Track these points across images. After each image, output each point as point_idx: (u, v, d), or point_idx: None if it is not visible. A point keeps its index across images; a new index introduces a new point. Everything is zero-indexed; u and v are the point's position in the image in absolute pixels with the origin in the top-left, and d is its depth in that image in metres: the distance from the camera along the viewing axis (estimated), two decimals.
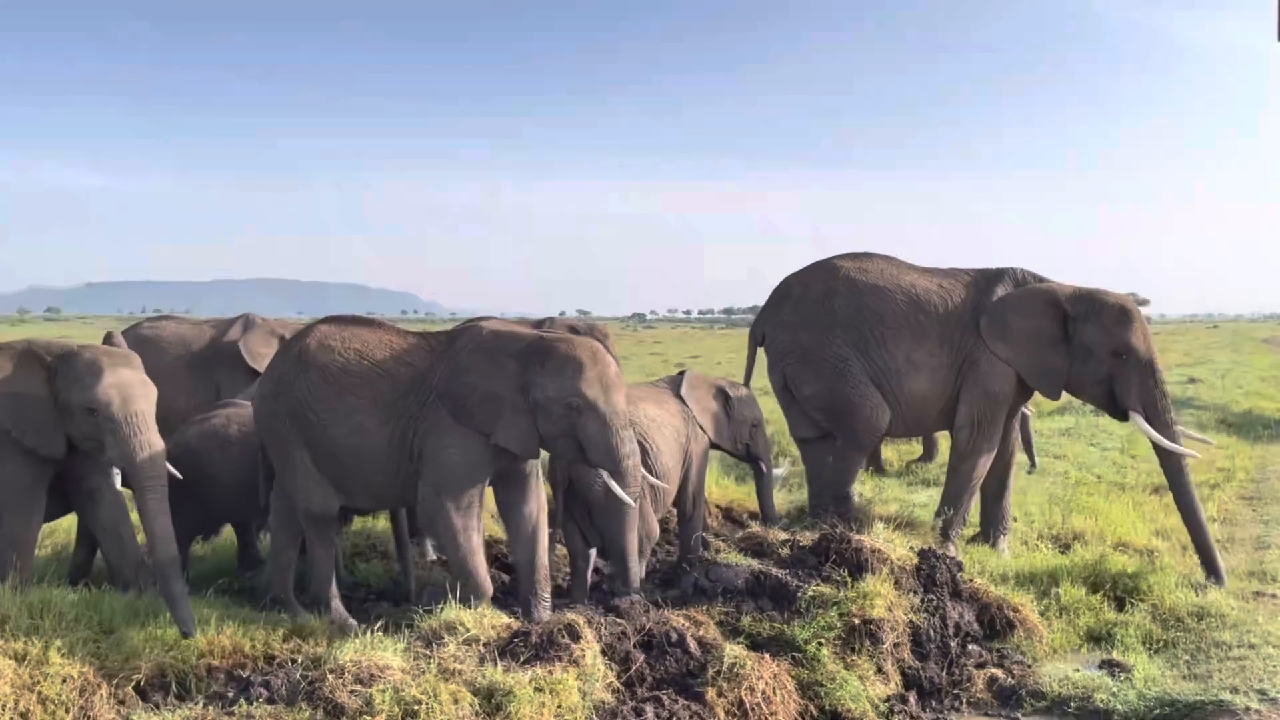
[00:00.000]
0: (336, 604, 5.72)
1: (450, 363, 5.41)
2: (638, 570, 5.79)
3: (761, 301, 8.15)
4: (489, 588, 5.33)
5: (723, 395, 7.18)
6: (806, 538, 5.94)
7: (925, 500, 8.87)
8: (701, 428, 6.92)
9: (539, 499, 5.58)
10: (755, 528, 6.84)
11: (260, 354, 8.98)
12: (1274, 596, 6.32)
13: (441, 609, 4.66)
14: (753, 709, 4.17)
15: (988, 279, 7.33)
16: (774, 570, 5.62)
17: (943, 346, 7.17)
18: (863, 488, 8.84)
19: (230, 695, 3.74)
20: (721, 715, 4.11)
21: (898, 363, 7.19)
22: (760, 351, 7.94)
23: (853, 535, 5.81)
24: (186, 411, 9.05)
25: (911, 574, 5.63)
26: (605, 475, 5.32)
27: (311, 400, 5.50)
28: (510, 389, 5.32)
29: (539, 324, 10.64)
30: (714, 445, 7.14)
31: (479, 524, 5.41)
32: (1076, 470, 11.04)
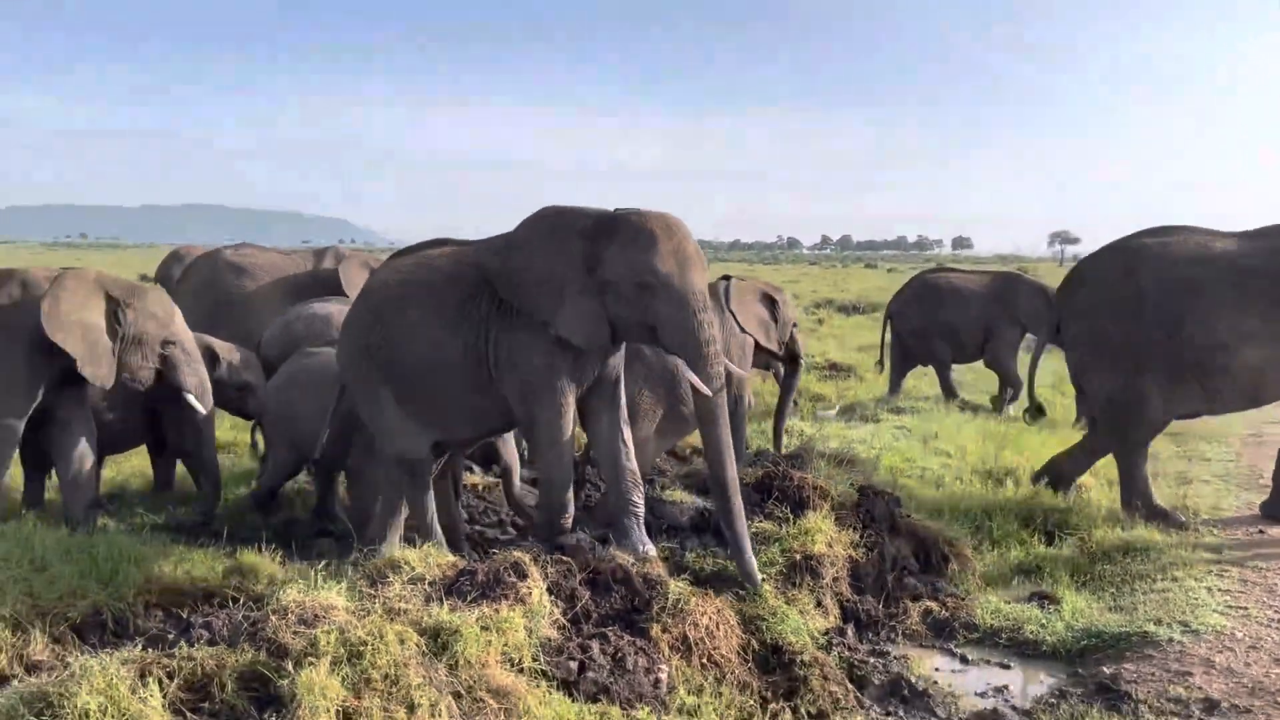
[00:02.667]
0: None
1: (505, 241, 4.97)
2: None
3: None
4: (570, 510, 5.00)
5: (769, 300, 7.39)
6: (750, 475, 6.00)
7: (864, 436, 9.03)
8: (749, 333, 7.09)
9: (622, 408, 5.18)
10: (699, 464, 6.91)
11: (356, 284, 8.74)
12: (1196, 530, 6.55)
13: (386, 548, 4.64)
14: (696, 643, 4.23)
15: None
16: None
17: (1276, 307, 6.33)
18: (803, 425, 8.96)
19: (170, 636, 3.68)
20: (666, 650, 4.16)
21: (1222, 336, 6.39)
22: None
23: (794, 473, 5.91)
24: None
25: (851, 510, 5.74)
26: (682, 365, 4.79)
27: (378, 324, 5.16)
28: (575, 269, 4.84)
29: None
30: (760, 348, 7.35)
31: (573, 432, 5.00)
32: (1008, 406, 11.31)
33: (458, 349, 4.98)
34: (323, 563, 4.61)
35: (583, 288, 4.82)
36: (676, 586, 4.44)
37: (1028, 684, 4.68)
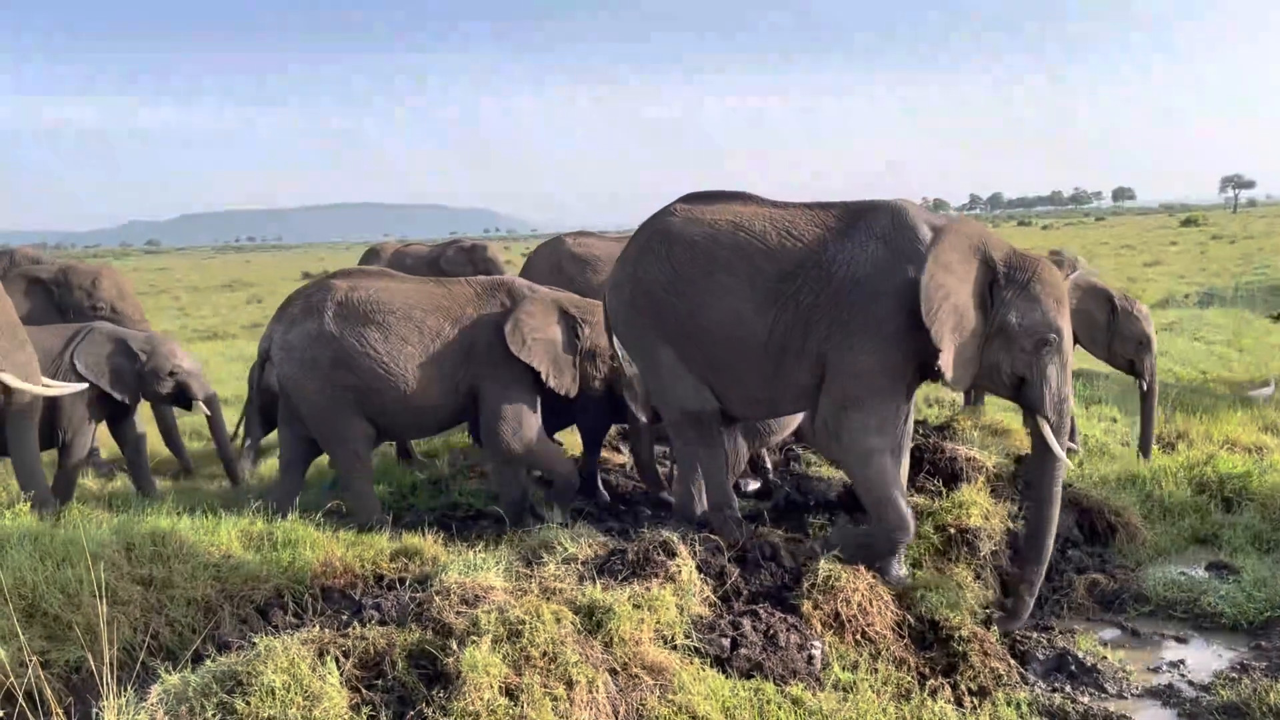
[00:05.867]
0: (733, 511, 5.10)
1: (932, 254, 4.36)
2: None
3: None
4: (911, 525, 4.61)
5: (1109, 303, 7.09)
6: None
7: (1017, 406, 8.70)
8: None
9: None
10: None
11: None
12: None
13: (539, 529, 4.77)
14: (849, 620, 4.20)
15: None
16: None
17: None
18: (954, 396, 8.71)
19: (344, 617, 3.90)
20: (818, 626, 4.15)
21: None
22: None
23: (946, 444, 5.76)
24: None
25: (1008, 481, 5.57)
26: (1043, 425, 4.48)
27: (676, 280, 4.77)
28: (973, 303, 4.42)
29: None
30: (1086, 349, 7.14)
31: (898, 452, 4.62)
32: (1180, 366, 10.70)
33: (762, 329, 4.59)
34: (481, 544, 4.78)
35: (975, 325, 4.43)
36: (826, 563, 4.41)
37: (1206, 658, 4.45)
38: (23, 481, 6.14)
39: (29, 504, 5.83)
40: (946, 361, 4.34)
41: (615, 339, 5.23)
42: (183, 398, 7.13)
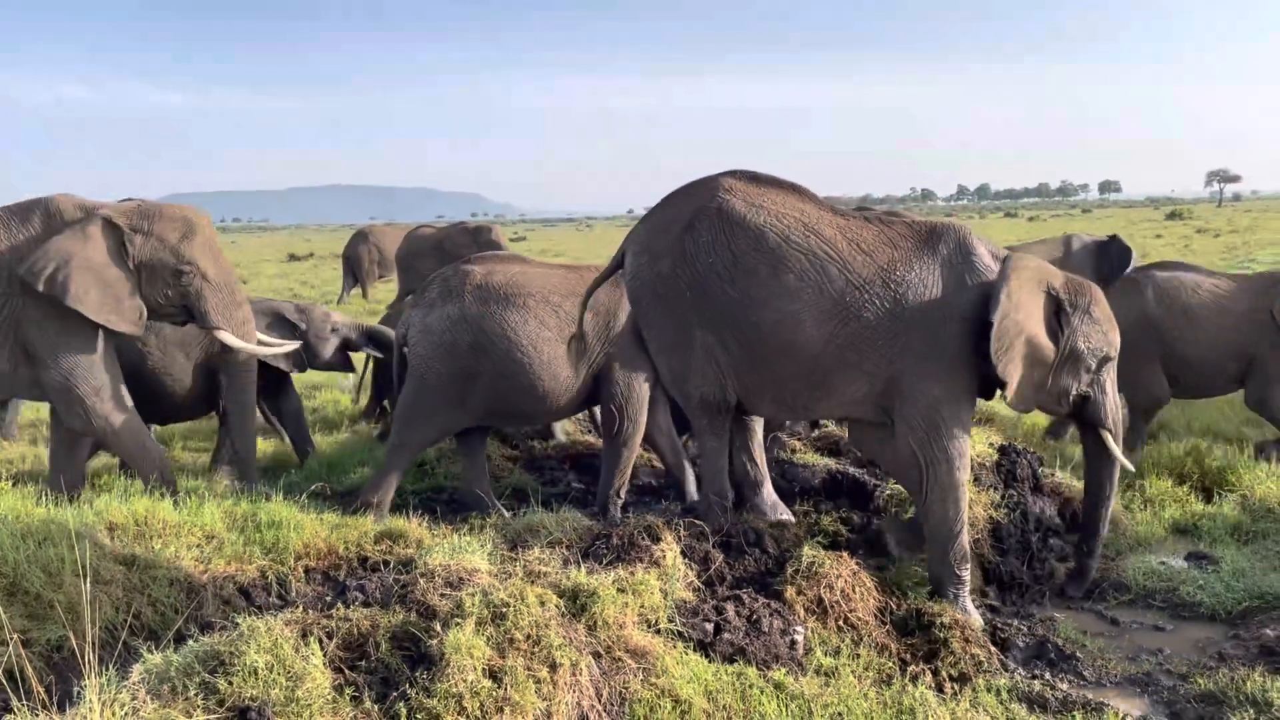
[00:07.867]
0: (723, 500, 4.98)
1: (1004, 292, 4.35)
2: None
3: None
4: (967, 562, 4.60)
5: None
6: None
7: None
8: None
9: None
10: (830, 426, 6.83)
11: None
12: None
13: (525, 513, 4.78)
14: (832, 606, 4.23)
15: None
16: (850, 469, 5.63)
17: None
18: None
19: (328, 598, 3.89)
20: (801, 612, 4.17)
21: None
22: None
23: None
24: None
25: (991, 470, 5.60)
26: (1107, 437, 4.72)
27: (734, 269, 4.52)
28: (1043, 333, 4.50)
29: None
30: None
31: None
32: None
33: (818, 339, 4.46)
34: (466, 527, 4.78)
35: (1048, 355, 4.52)
36: (810, 549, 4.43)
37: (1184, 647, 4.49)
38: (239, 443, 6.16)
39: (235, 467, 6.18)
40: (1013, 393, 4.45)
41: (636, 311, 5.01)
42: (348, 357, 7.13)
